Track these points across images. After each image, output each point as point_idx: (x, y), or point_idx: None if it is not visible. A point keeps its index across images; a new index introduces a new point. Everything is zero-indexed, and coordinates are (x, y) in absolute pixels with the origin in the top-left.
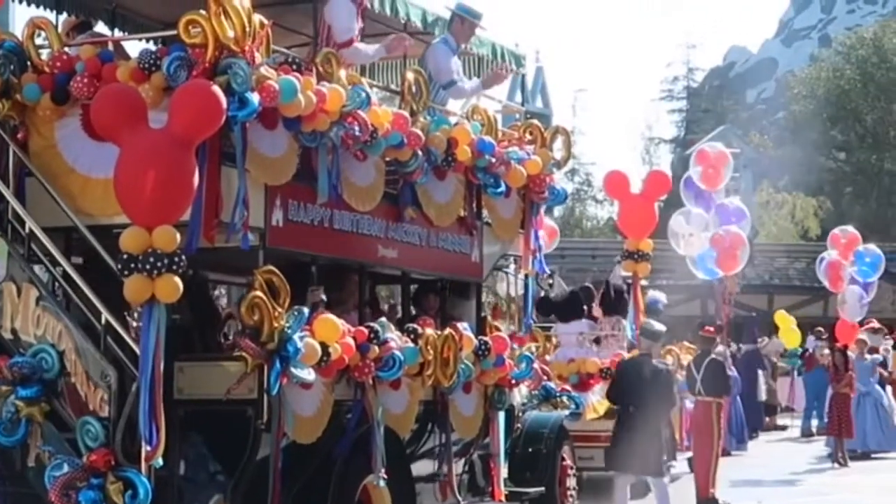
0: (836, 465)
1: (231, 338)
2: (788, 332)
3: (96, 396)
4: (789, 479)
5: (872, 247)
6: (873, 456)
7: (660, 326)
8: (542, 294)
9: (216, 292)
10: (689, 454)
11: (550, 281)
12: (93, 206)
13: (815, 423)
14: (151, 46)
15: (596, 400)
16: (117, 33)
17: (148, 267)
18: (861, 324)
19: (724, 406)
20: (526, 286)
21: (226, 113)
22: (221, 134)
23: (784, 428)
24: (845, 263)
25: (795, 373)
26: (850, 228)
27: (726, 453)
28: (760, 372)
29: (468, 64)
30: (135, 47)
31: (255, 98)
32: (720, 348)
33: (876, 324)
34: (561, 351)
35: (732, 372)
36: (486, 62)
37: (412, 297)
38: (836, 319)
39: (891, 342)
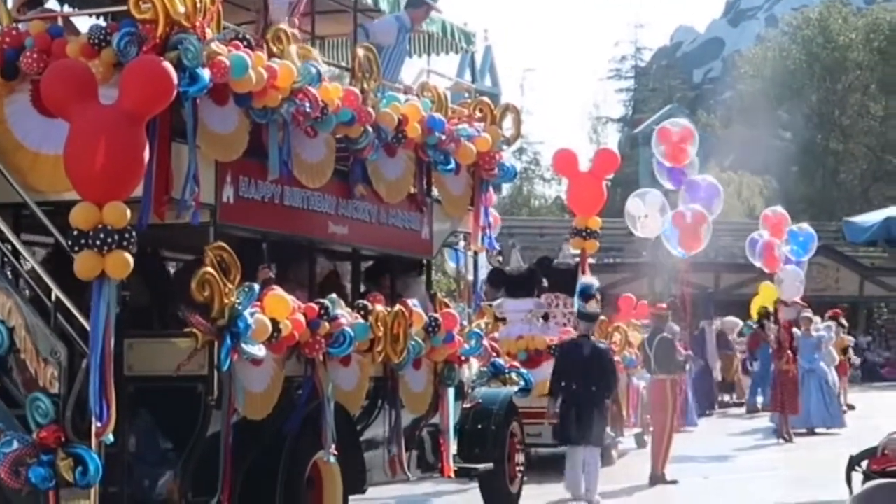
0: (781, 440)
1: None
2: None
3: (46, 373)
4: (735, 454)
5: (805, 226)
6: (817, 432)
7: (594, 309)
8: (496, 267)
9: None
10: (637, 430)
11: (500, 258)
12: (42, 182)
13: (759, 399)
14: (102, 22)
15: (545, 376)
16: (67, 9)
17: (98, 243)
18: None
19: (678, 383)
20: (475, 263)
21: (176, 88)
22: (172, 110)
23: (740, 405)
24: (778, 243)
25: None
26: (780, 208)
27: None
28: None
29: (419, 42)
30: (85, 23)
31: (205, 74)
32: (674, 327)
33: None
34: (509, 328)
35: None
36: (437, 40)
37: (363, 273)
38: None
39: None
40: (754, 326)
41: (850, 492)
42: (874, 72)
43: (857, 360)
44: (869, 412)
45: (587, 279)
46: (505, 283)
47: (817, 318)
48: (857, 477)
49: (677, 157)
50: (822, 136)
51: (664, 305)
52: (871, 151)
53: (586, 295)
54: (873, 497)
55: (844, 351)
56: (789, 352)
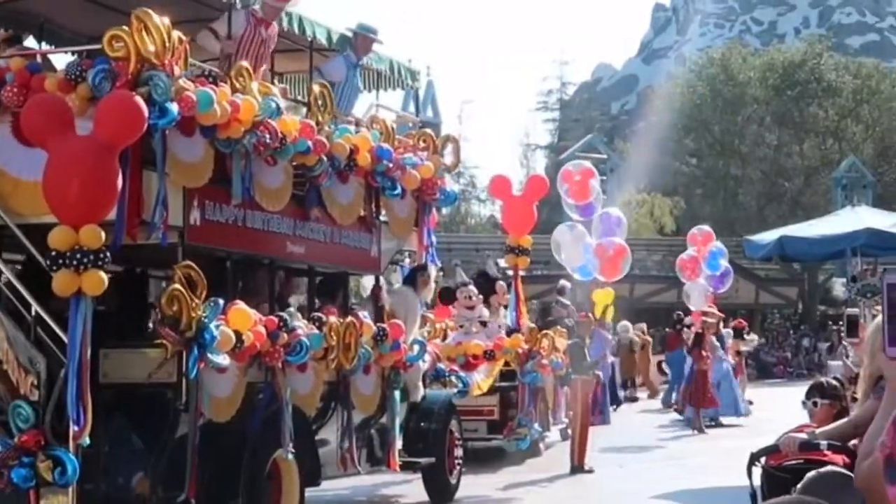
0: (695, 431)
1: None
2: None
3: (27, 382)
4: (648, 445)
5: (718, 243)
6: (724, 423)
7: (567, 301)
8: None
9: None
10: (561, 425)
11: (442, 273)
12: (23, 206)
13: (674, 395)
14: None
15: (480, 378)
16: (45, 47)
17: (75, 263)
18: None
19: (588, 383)
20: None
21: (147, 121)
22: (143, 140)
23: (636, 399)
24: (700, 258)
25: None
26: (706, 227)
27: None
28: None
29: (368, 78)
30: (62, 60)
31: (174, 108)
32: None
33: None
34: (451, 335)
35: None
36: (385, 77)
37: (319, 288)
38: (685, 306)
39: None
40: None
41: (751, 484)
42: (769, 106)
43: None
44: (764, 406)
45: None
46: (451, 299)
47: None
48: (756, 471)
49: (582, 194)
50: (724, 163)
51: (584, 314)
52: (766, 176)
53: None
54: (813, 487)
55: (739, 353)
56: (704, 352)
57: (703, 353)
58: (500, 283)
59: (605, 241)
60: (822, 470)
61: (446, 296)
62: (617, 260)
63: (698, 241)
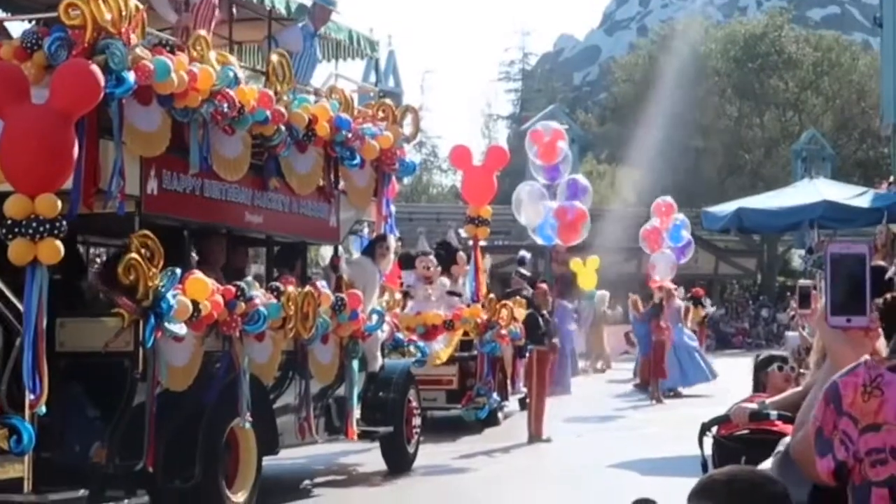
0: (653, 402)
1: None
2: (585, 278)
3: None
4: (607, 415)
5: (681, 215)
6: (683, 394)
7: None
8: (405, 251)
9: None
10: (520, 395)
11: (400, 242)
12: None
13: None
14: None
15: (440, 348)
16: (0, 14)
17: (31, 231)
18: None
19: (545, 354)
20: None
21: (104, 90)
22: (99, 109)
23: (603, 371)
24: (663, 230)
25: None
26: (669, 198)
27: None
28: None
29: (327, 47)
30: (18, 28)
31: (130, 77)
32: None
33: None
34: (410, 304)
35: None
36: (344, 47)
37: (277, 257)
38: (647, 276)
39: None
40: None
41: (702, 454)
42: (730, 78)
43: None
44: (723, 376)
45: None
46: (412, 265)
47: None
48: (707, 441)
49: (549, 155)
50: (685, 134)
51: (543, 285)
52: (727, 148)
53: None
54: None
55: (701, 323)
56: (662, 323)
57: (662, 324)
58: (461, 254)
59: (566, 203)
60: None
61: (406, 262)
62: (577, 224)
63: (662, 211)
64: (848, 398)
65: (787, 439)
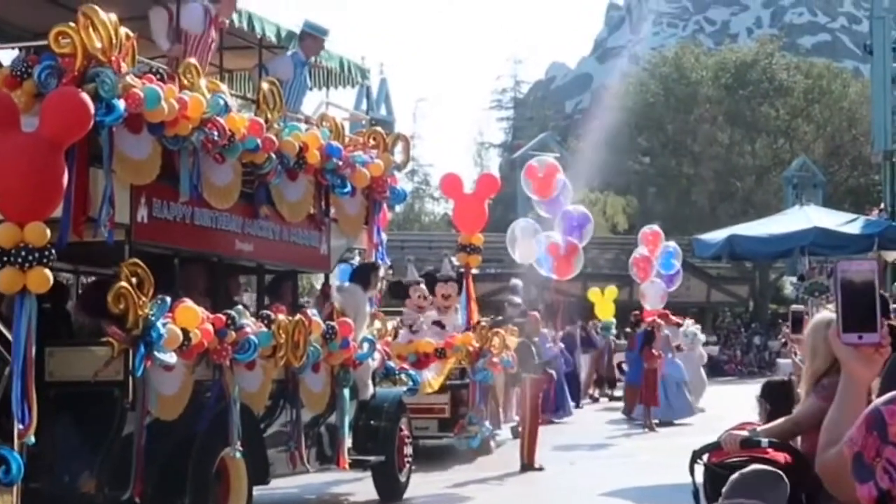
0: (646, 430)
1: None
2: (603, 307)
3: None
4: (601, 443)
5: (673, 243)
6: (675, 423)
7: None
8: (395, 279)
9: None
10: (512, 423)
11: (391, 271)
12: None
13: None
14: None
15: (431, 376)
16: None
17: (20, 260)
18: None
19: (538, 382)
20: None
21: (94, 118)
22: (89, 137)
23: (618, 398)
24: (652, 258)
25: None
26: (656, 227)
27: (547, 422)
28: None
29: (318, 76)
30: (7, 56)
31: (121, 105)
32: (544, 331)
33: (672, 318)
34: (402, 333)
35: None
36: (335, 75)
37: (269, 286)
38: (639, 303)
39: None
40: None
41: (693, 482)
42: (721, 105)
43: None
44: (715, 404)
45: (514, 279)
46: (402, 293)
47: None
48: (699, 468)
49: (544, 190)
50: (677, 161)
51: (534, 313)
52: (718, 175)
53: (515, 291)
54: (747, 481)
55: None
56: (654, 351)
57: (653, 352)
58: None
59: (558, 239)
60: (747, 470)
61: (397, 291)
62: (570, 258)
63: (649, 240)
64: (894, 428)
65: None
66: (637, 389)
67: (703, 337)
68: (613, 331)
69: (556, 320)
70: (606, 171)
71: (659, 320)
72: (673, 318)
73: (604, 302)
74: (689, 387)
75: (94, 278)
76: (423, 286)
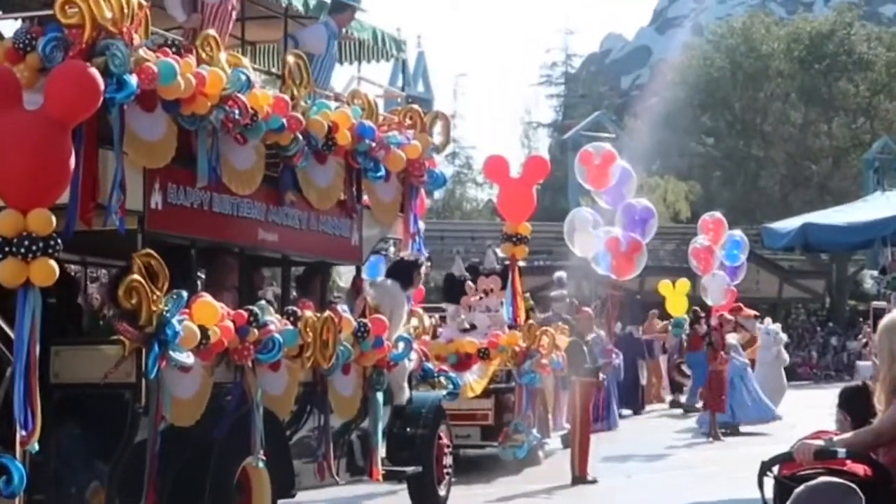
0: (710, 440)
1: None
2: (675, 302)
3: None
4: (660, 453)
5: (738, 232)
6: (742, 431)
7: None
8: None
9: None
10: (562, 431)
11: (429, 263)
12: None
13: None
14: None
15: (473, 379)
16: None
17: (23, 250)
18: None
19: (588, 386)
20: None
21: (103, 95)
22: (99, 116)
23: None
24: (714, 248)
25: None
26: (718, 214)
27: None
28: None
29: (349, 49)
30: (10, 27)
31: (133, 80)
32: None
33: (747, 311)
34: (445, 331)
35: (618, 356)
36: (367, 47)
37: (297, 280)
38: (702, 299)
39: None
40: (685, 327)
41: (762, 495)
42: (794, 80)
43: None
44: (788, 411)
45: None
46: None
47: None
48: (768, 481)
49: (600, 180)
50: (744, 143)
51: (587, 309)
52: (791, 158)
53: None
54: (816, 495)
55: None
56: (722, 353)
57: (719, 353)
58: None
59: (619, 234)
60: (815, 483)
61: (451, 286)
62: (631, 256)
63: (710, 228)
64: None
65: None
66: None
67: (784, 336)
68: (687, 329)
69: (610, 319)
70: (667, 153)
71: (728, 315)
72: (748, 310)
73: (676, 296)
74: (764, 390)
75: (120, 266)
76: (493, 277)
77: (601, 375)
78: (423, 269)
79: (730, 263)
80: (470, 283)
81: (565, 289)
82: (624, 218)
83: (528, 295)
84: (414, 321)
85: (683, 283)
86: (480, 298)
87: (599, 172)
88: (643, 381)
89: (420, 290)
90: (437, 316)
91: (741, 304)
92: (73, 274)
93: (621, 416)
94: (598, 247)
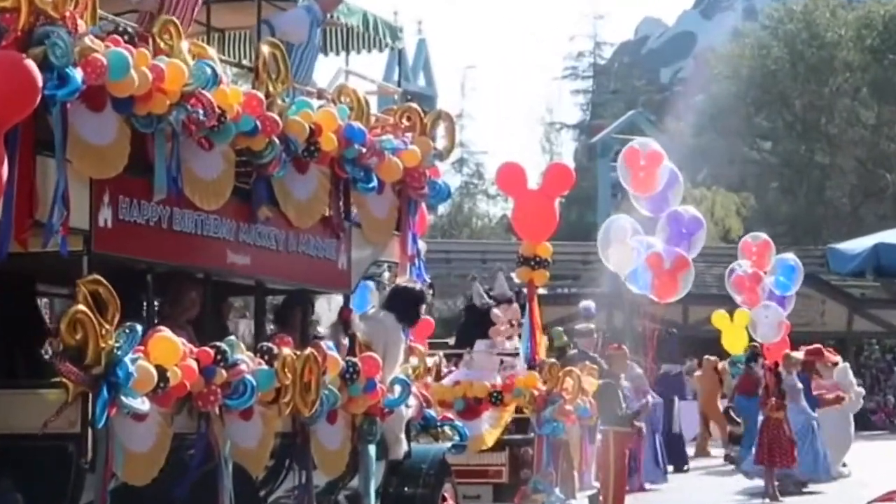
0: (765, 500)
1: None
2: (733, 334)
3: None
4: None
5: (791, 255)
6: (804, 490)
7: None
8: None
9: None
10: (591, 491)
11: (430, 291)
12: None
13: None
14: None
15: (484, 429)
16: None
17: None
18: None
19: (624, 437)
20: None
21: (42, 92)
22: (37, 117)
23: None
24: (762, 275)
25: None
26: (763, 235)
27: (640, 489)
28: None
29: (336, 37)
30: None
31: (77, 74)
32: (635, 369)
33: (832, 356)
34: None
35: (654, 398)
36: (357, 35)
37: (275, 311)
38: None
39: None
40: (741, 366)
41: None
42: (866, 74)
43: None
44: (860, 465)
45: (586, 301)
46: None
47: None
48: None
49: (646, 183)
50: (807, 148)
51: (617, 345)
52: (862, 165)
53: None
54: None
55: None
56: (774, 398)
57: (774, 399)
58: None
59: (662, 249)
60: None
61: (473, 319)
62: (675, 275)
63: (752, 252)
64: None
65: None
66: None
67: (853, 379)
68: (741, 367)
69: (648, 356)
70: (715, 160)
71: (796, 355)
72: (831, 355)
73: (734, 329)
74: (828, 440)
75: (62, 295)
76: (514, 306)
77: (638, 423)
78: (424, 301)
79: (780, 293)
80: (496, 310)
81: (593, 321)
82: (668, 228)
83: (560, 329)
84: (413, 360)
85: (742, 314)
86: (511, 327)
87: (646, 174)
88: (690, 430)
89: (428, 322)
90: (440, 354)
91: (822, 347)
92: (29, 305)
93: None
94: (636, 261)
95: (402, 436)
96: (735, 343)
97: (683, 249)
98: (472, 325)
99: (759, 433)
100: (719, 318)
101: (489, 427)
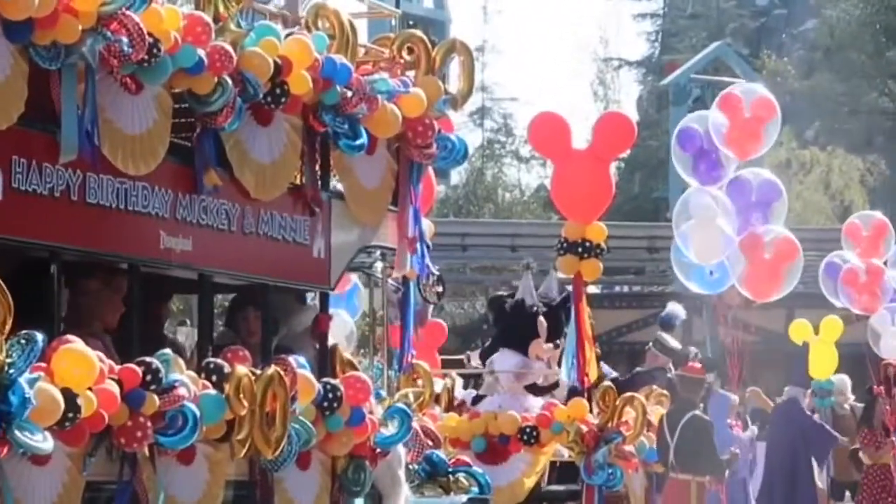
0: None
1: None
2: (819, 356)
3: None
4: None
5: None
6: None
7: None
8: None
9: None
10: None
11: (438, 288)
12: None
13: None
14: None
15: (515, 477)
16: None
17: None
18: None
19: (710, 488)
20: (406, 296)
21: None
22: None
23: None
24: (882, 267)
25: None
26: (878, 214)
27: None
28: None
29: None
30: None
31: None
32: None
33: None
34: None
35: (742, 434)
36: None
37: (226, 314)
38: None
39: None
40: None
41: None
42: None
43: None
44: None
45: (673, 306)
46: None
47: None
48: None
49: (748, 143)
50: None
51: (699, 366)
52: None
53: (668, 326)
54: None
55: None
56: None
57: (877, 434)
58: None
59: (759, 229)
60: None
61: (518, 319)
62: (778, 265)
63: (862, 238)
64: None
65: None
66: None
67: None
68: (833, 399)
69: (734, 378)
70: (830, 110)
71: None
72: None
73: (820, 346)
74: None
75: None
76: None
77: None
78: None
79: None
80: (542, 318)
81: (678, 330)
82: (729, 197)
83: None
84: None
85: (832, 323)
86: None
87: (751, 130)
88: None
89: (439, 326)
90: (452, 374)
91: None
92: None
93: None
94: (727, 249)
95: (402, 485)
96: (821, 364)
97: (791, 235)
98: (511, 332)
99: (863, 479)
100: (799, 328)
101: (520, 475)
